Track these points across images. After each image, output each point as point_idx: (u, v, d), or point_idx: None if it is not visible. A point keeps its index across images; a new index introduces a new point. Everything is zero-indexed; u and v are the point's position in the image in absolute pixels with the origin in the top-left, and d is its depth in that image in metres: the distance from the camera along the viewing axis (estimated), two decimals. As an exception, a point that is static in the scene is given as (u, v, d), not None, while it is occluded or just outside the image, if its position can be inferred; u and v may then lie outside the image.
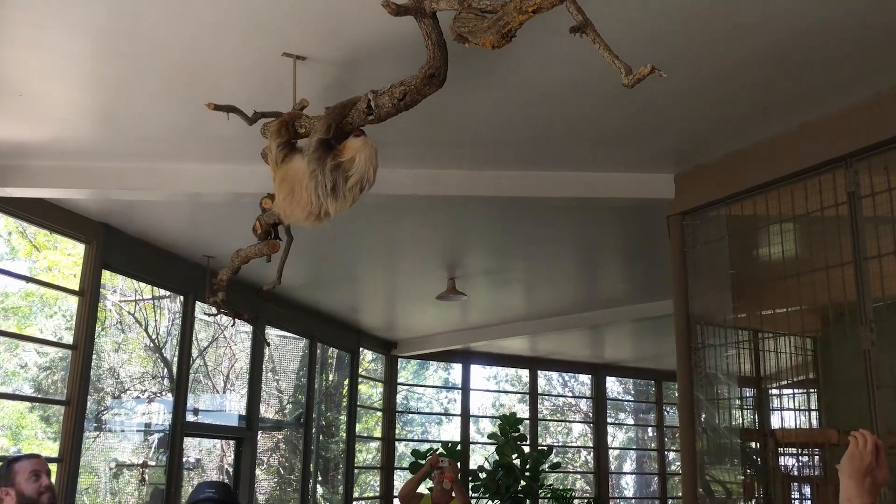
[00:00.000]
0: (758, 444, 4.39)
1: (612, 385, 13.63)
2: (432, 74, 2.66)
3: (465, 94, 3.79)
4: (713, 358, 4.72)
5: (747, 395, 4.78)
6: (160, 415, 7.66)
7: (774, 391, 5.18)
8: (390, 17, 3.09)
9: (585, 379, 13.41)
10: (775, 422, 5.24)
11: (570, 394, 14.28)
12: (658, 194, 5.02)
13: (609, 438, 12.96)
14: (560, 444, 13.34)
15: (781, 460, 4.67)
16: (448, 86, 2.75)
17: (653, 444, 13.71)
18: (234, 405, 8.46)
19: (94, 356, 6.01)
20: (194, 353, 7.55)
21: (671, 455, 13.48)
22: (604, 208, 5.59)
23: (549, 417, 13.83)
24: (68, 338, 5.71)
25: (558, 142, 4.56)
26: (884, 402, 3.69)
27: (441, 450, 9.49)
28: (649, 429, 14.06)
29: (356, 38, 3.28)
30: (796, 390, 5.24)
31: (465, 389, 11.51)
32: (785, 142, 4.32)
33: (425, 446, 10.20)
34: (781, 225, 4.37)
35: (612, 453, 13.41)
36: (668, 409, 13.34)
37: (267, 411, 8.81)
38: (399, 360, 11.14)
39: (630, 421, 14.63)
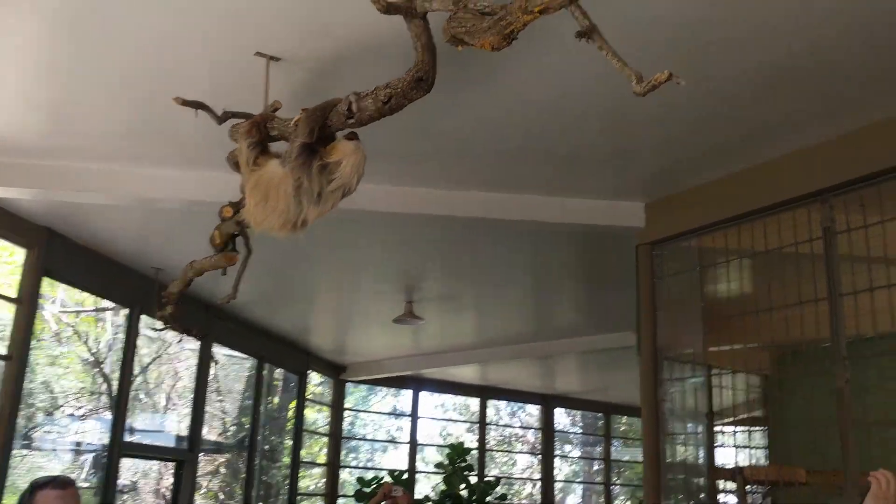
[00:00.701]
0: (726, 482, 4.29)
1: (560, 416, 13.52)
2: (420, 78, 2.51)
3: (434, 107, 3.62)
4: (679, 393, 4.64)
5: (715, 431, 4.69)
6: (95, 433, 7.27)
7: (741, 428, 5.10)
8: (369, 21, 2.95)
9: (533, 409, 13.28)
10: (741, 459, 5.17)
11: (517, 424, 14.12)
12: (628, 222, 4.94)
13: (555, 471, 12.83)
14: (506, 475, 13.14)
15: (721, 497, 4.59)
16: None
17: (599, 478, 13.61)
18: (174, 425, 8.09)
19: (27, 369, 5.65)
20: (136, 369, 7.20)
21: (616, 489, 13.39)
22: (563, 234, 5.46)
23: (496, 448, 13.63)
24: (1, 348, 5.35)
25: (529, 164, 4.44)
26: (858, 441, 3.62)
27: (388, 478, 9.23)
28: (595, 462, 13.97)
29: (333, 40, 3.13)
30: (759, 427, 5.18)
31: (415, 417, 11.27)
32: (760, 174, 4.28)
33: (370, 474, 9.91)
34: (754, 258, 4.31)
35: (558, 486, 13.26)
36: (615, 443, 13.28)
37: (209, 433, 8.45)
38: (347, 384, 10.87)
39: (577, 453, 14.52)
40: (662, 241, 4.78)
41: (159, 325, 5.46)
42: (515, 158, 4.40)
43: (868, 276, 3.76)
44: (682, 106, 3.72)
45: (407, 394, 11.46)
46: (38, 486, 2.76)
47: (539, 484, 12.50)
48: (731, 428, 5.76)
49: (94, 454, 7.10)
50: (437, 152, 4.26)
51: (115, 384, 6.64)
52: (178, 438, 7.78)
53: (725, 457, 5.46)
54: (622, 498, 13.81)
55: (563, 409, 13.45)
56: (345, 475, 10.84)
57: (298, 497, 9.78)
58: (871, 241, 3.76)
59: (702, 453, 4.73)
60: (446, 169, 4.53)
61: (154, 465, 8.24)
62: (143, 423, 8.02)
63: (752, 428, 5.93)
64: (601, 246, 5.90)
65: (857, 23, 3.01)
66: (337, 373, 10.60)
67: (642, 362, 4.69)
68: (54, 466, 7.16)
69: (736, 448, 5.67)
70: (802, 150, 4.06)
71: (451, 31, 2.29)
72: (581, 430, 14.34)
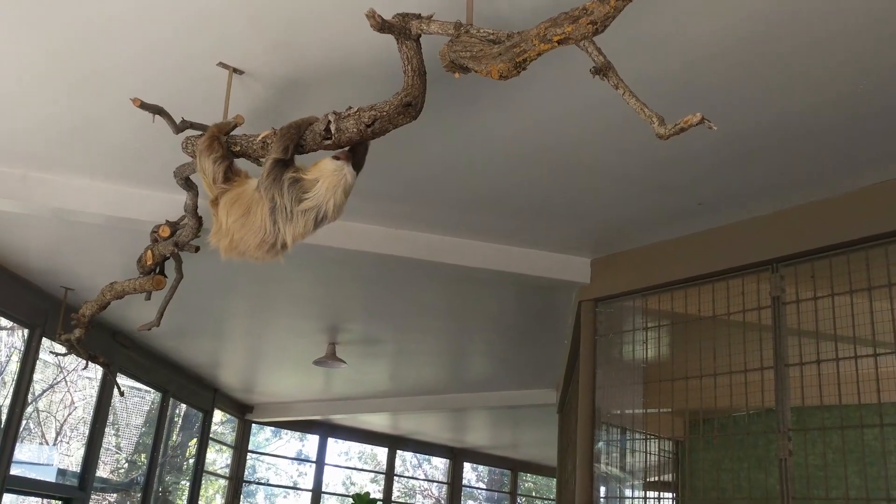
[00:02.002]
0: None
1: (466, 471, 13.31)
2: (409, 103, 2.35)
3: (383, 143, 3.49)
4: (615, 454, 4.53)
5: (651, 496, 4.59)
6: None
7: (667, 495, 5.02)
8: (346, 40, 2.82)
9: (438, 462, 13.03)
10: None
11: (422, 476, 13.82)
12: (573, 277, 4.86)
13: (458, 527, 12.56)
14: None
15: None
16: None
17: (501, 536, 13.41)
18: (63, 460, 7.48)
19: None
20: (29, 396, 6.62)
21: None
22: (496, 284, 5.33)
23: (400, 500, 13.27)
24: None
25: (475, 210, 4.31)
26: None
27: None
28: (498, 519, 13.77)
29: (302, 59, 2.93)
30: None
31: (320, 463, 10.84)
32: (711, 239, 4.28)
33: (269, 522, 9.44)
34: (700, 322, 4.28)
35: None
36: (520, 501, 13.12)
37: (102, 470, 7.85)
38: (253, 425, 10.39)
39: (479, 510, 14.28)
40: (607, 298, 4.72)
41: (61, 349, 5.04)
42: (463, 204, 4.27)
43: (815, 348, 3.76)
44: (637, 168, 3.69)
45: (313, 439, 11.04)
46: None
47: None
48: (666, 493, 5.68)
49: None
50: (382, 189, 4.08)
51: (3, 412, 6.07)
52: (59, 473, 7.18)
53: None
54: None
55: (468, 464, 13.25)
56: (241, 522, 10.30)
57: (191, 544, 9.19)
58: (820, 314, 3.77)
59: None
60: (389, 207, 4.34)
61: (32, 501, 7.57)
62: (28, 456, 7.37)
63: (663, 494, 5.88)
64: (532, 300, 5.81)
65: (819, 102, 3.03)
66: (243, 412, 10.13)
67: (580, 422, 4.57)
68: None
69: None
70: (756, 219, 4.09)
71: (453, 56, 2.15)
72: (486, 486, 14.14)
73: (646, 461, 4.75)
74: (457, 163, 3.76)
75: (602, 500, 4.45)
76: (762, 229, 4.05)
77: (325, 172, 2.39)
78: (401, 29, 2.30)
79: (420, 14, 2.33)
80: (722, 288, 4.20)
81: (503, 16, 2.53)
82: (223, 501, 10.11)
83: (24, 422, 6.55)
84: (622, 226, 4.40)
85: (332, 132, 2.42)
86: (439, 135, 3.46)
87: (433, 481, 13.32)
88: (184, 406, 9.12)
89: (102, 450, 7.40)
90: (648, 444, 4.60)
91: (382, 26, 2.25)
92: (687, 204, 4.05)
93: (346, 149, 2.43)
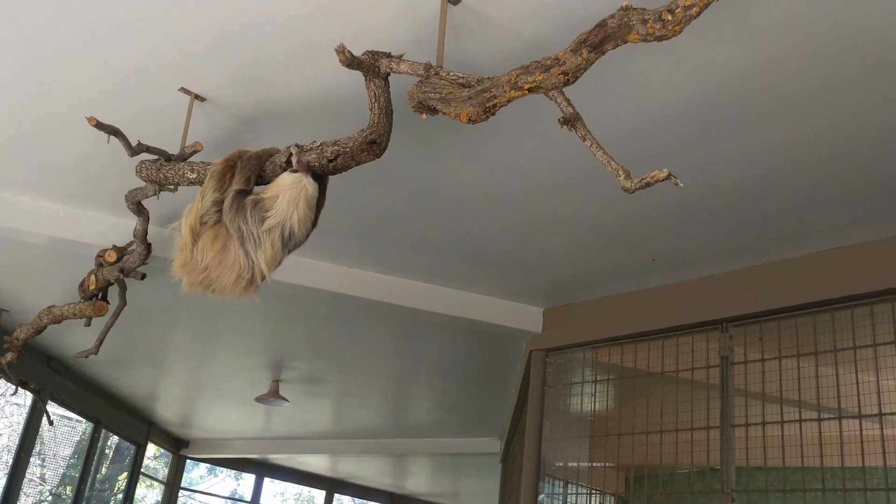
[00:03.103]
0: None
1: (404, 518, 13.07)
2: (373, 141, 2.32)
3: (348, 178, 3.44)
4: (559, 507, 4.48)
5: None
6: None
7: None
8: (314, 78, 2.79)
9: (377, 508, 12.78)
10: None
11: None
12: (525, 326, 4.84)
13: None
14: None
15: None
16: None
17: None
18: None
19: None
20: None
21: None
22: (445, 329, 5.26)
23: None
24: None
25: (432, 251, 4.27)
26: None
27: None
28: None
29: (267, 92, 2.89)
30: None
31: (255, 503, 10.54)
32: (663, 295, 4.31)
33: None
34: (649, 378, 4.28)
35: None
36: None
37: (23, 502, 7.48)
38: (188, 461, 10.06)
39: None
40: (558, 349, 4.70)
41: (-9, 373, 4.84)
42: (418, 246, 4.23)
43: (761, 409, 3.79)
44: (594, 222, 3.71)
45: (249, 478, 10.74)
46: None
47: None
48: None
49: None
50: (338, 226, 4.01)
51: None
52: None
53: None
54: None
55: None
56: (166, 562, 9.90)
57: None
58: (767, 376, 3.80)
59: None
60: (343, 244, 4.28)
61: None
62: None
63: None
64: (482, 346, 5.77)
65: (777, 168, 3.09)
66: (178, 447, 9.81)
67: (525, 473, 4.51)
68: None
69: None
70: (708, 278, 4.13)
71: (422, 97, 2.13)
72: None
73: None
74: (416, 205, 3.74)
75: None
76: (713, 289, 4.09)
77: (284, 186, 2.29)
78: (370, 66, 2.28)
79: (390, 53, 2.32)
80: (672, 344, 4.22)
81: (473, 60, 2.54)
82: (150, 540, 9.75)
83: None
84: (576, 277, 4.41)
85: (293, 164, 2.37)
86: (401, 175, 3.44)
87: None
88: (116, 438, 8.80)
89: (25, 481, 7.07)
90: (591, 498, 4.55)
91: (351, 62, 2.23)
92: (641, 260, 4.08)
93: (303, 161, 2.35)
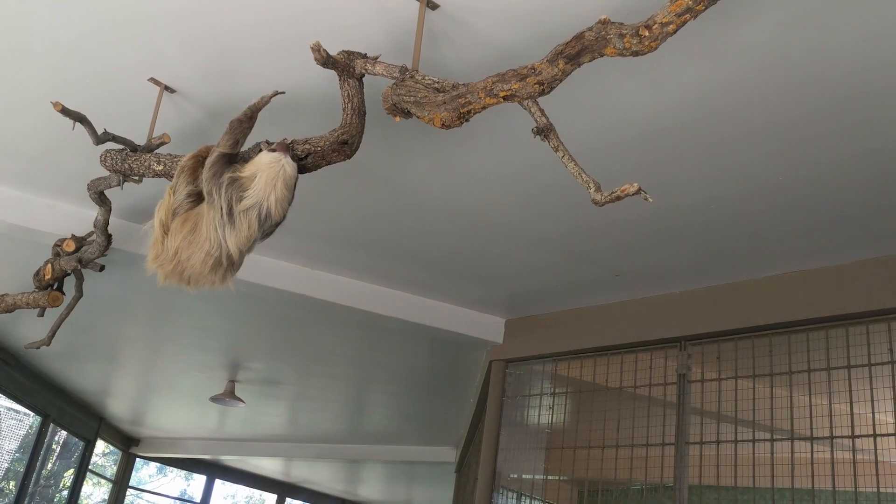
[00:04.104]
0: None
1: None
2: (345, 141, 2.30)
3: (316, 178, 3.40)
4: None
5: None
6: None
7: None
8: (286, 74, 2.76)
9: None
10: None
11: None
12: (486, 336, 4.84)
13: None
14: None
15: None
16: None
17: None
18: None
19: None
20: None
21: None
22: (406, 335, 5.24)
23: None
24: None
25: (396, 257, 4.26)
26: None
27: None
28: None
29: (236, 87, 2.86)
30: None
31: (204, 505, 10.39)
32: (623, 311, 4.34)
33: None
34: (607, 392, 4.31)
35: None
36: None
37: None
38: (137, 459, 9.88)
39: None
40: (518, 360, 4.71)
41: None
42: (383, 251, 4.21)
43: (716, 428, 3.83)
44: (559, 235, 3.73)
45: (200, 479, 10.58)
46: None
47: None
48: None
49: None
50: (302, 226, 3.97)
51: None
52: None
53: None
54: None
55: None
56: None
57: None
58: (723, 395, 3.85)
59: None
60: (307, 245, 4.24)
61: None
62: None
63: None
64: (442, 354, 5.75)
65: (741, 190, 3.14)
66: (128, 445, 9.62)
67: (480, 484, 4.50)
68: None
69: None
70: (669, 296, 4.17)
71: (396, 99, 2.12)
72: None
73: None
74: (382, 208, 3.72)
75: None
76: (674, 306, 4.13)
77: (262, 165, 2.23)
78: (345, 66, 2.27)
79: (366, 54, 2.31)
80: (630, 360, 4.25)
81: (449, 65, 2.53)
82: (94, 539, 9.54)
83: None
84: (539, 290, 4.42)
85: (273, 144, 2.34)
86: (369, 178, 3.42)
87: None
88: (64, 433, 8.60)
89: (-33, 473, 6.88)
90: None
91: (326, 61, 2.21)
92: (604, 274, 4.11)
93: (285, 140, 2.30)
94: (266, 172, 2.21)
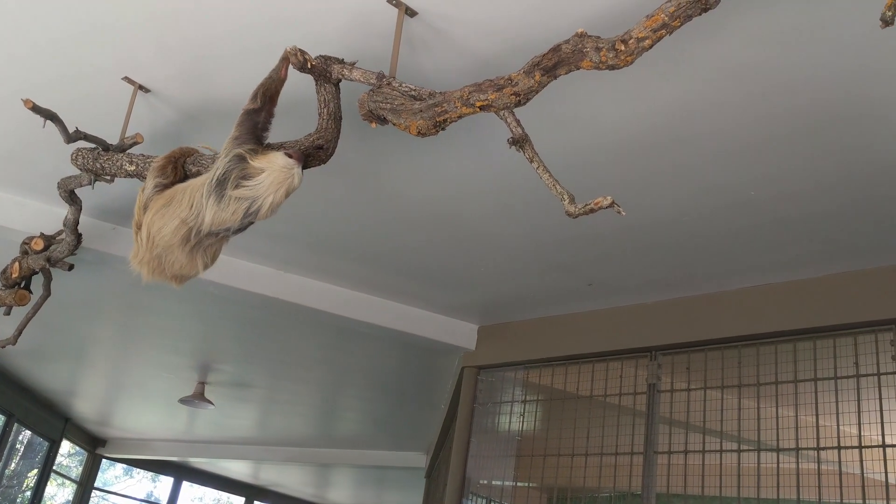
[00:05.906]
0: None
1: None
2: (320, 146, 2.30)
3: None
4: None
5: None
6: None
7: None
8: (261, 75, 2.74)
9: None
10: None
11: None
12: (459, 342, 4.84)
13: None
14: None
15: None
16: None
17: None
18: None
19: None
20: None
21: None
22: (378, 340, 5.22)
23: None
24: None
25: (370, 262, 4.24)
26: None
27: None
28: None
29: (212, 89, 2.83)
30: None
31: (171, 508, 10.28)
32: (595, 320, 4.36)
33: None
34: (577, 401, 4.32)
35: None
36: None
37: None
38: (103, 460, 9.75)
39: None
40: (490, 367, 4.71)
41: None
42: (358, 256, 4.19)
43: (685, 437, 3.86)
44: (533, 244, 3.74)
45: (167, 481, 10.46)
46: None
47: None
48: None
49: None
50: (277, 230, 3.94)
51: None
52: None
53: None
54: None
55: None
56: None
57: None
58: (692, 405, 3.88)
59: None
60: (281, 248, 4.21)
61: None
62: None
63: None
64: (414, 360, 5.74)
65: (714, 207, 3.18)
66: (94, 446, 9.50)
67: (449, 489, 4.50)
68: None
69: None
70: (640, 306, 4.20)
71: (372, 106, 2.12)
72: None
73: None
74: (358, 215, 3.71)
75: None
76: (645, 317, 4.16)
77: (275, 166, 2.18)
78: (321, 71, 2.26)
79: (343, 59, 2.30)
80: (601, 369, 4.27)
81: (426, 73, 2.53)
82: (57, 540, 9.40)
83: None
84: (513, 297, 4.43)
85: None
86: (346, 184, 3.41)
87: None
88: (28, 433, 8.47)
89: (-73, 473, 6.75)
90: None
91: (303, 66, 2.21)
92: (577, 284, 4.13)
93: (300, 149, 2.28)
94: (276, 175, 2.17)
